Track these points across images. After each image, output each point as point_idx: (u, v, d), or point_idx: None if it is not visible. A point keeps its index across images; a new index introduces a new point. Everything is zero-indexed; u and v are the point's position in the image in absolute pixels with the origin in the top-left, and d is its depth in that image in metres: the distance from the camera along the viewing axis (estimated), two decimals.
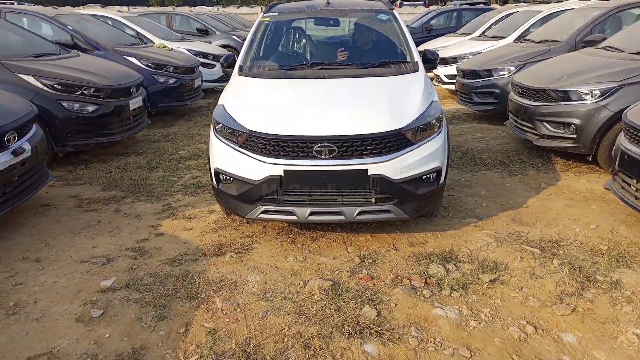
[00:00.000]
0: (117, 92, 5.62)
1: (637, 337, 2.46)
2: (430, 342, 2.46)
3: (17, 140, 3.67)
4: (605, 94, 4.65)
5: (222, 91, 4.09)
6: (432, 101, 3.61)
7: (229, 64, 4.44)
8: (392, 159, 3.20)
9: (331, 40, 5.93)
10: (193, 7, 27.41)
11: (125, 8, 24.30)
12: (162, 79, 7.58)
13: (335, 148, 3.13)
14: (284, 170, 3.17)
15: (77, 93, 5.24)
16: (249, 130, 3.27)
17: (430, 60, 4.38)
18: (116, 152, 5.98)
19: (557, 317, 2.65)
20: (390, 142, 3.21)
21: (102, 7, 24.40)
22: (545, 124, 5.10)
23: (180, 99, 7.93)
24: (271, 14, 4.81)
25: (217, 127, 3.51)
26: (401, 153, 3.23)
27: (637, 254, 3.29)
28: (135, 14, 12.72)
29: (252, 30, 4.66)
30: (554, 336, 2.50)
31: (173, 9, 18.85)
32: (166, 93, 7.65)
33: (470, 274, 3.08)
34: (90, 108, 5.28)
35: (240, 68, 4.22)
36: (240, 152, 3.29)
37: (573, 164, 5.21)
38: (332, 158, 3.15)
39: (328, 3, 4.84)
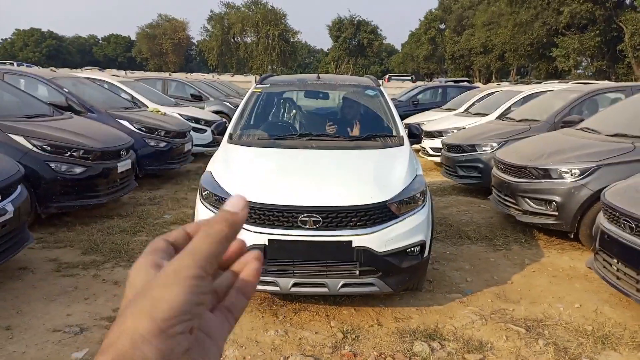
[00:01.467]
0: (106, 154, 5.66)
1: None
2: None
3: (0, 201, 3.64)
4: (584, 173, 4.80)
5: (212, 156, 4.14)
6: (417, 175, 3.69)
7: (219, 131, 4.53)
8: (376, 232, 3.21)
9: (320, 111, 6.12)
10: (189, 74, 28.30)
11: (123, 72, 25.01)
12: (152, 143, 7.66)
13: (320, 219, 3.15)
14: (269, 239, 3.16)
15: (66, 154, 5.27)
16: None
17: (415, 135, 4.52)
18: (100, 214, 5.92)
19: None
20: (375, 215, 3.24)
21: (100, 70, 24.96)
22: (527, 200, 5.20)
23: (169, 163, 7.98)
24: (263, 85, 4.98)
25: (203, 194, 3.52)
26: (386, 225, 3.25)
27: (622, 336, 3.25)
28: (132, 78, 13.07)
29: (244, 100, 4.81)
30: None
31: (170, 75, 19.44)
32: (156, 156, 7.71)
33: (456, 354, 3.01)
34: (78, 170, 5.29)
35: (230, 136, 4.31)
36: None
37: (556, 241, 5.26)
38: (317, 228, 3.15)
39: (318, 77, 5.05)
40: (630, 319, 3.51)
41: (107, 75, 12.37)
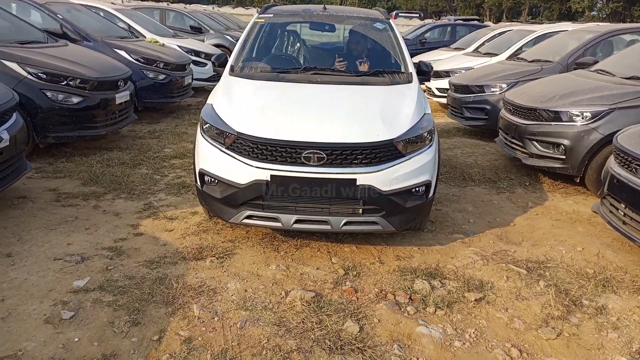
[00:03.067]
0: (104, 84, 5.48)
1: None
2: None
3: None
4: (595, 116, 4.66)
5: (212, 90, 3.99)
6: (425, 113, 3.57)
7: (220, 63, 4.34)
8: (381, 170, 3.13)
9: (325, 46, 5.87)
10: (188, 5, 27.23)
11: (118, 0, 24.03)
12: (151, 75, 7.44)
13: (325, 155, 3.06)
14: (271, 175, 3.08)
15: (63, 83, 5.10)
16: (237, 132, 3.18)
17: (424, 72, 4.33)
18: (99, 146, 5.83)
19: (543, 340, 2.60)
20: (381, 153, 3.14)
21: None
22: (534, 143, 5.09)
23: (169, 96, 7.79)
24: (266, 15, 4.73)
25: (204, 127, 3.41)
26: (391, 164, 3.16)
27: (623, 279, 3.26)
28: (128, 7, 12.54)
29: (245, 30, 4.58)
30: None
31: (167, 4, 18.67)
32: (155, 89, 7.51)
33: (456, 292, 3.02)
34: (75, 99, 5.14)
35: (232, 68, 4.13)
36: (226, 154, 3.20)
37: (560, 185, 5.21)
38: (320, 165, 3.07)
39: (325, 8, 4.78)
40: (632, 263, 3.51)
41: (103, 3, 11.85)
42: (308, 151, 3.05)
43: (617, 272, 3.36)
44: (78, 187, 4.49)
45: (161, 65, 7.63)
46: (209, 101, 3.68)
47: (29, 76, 4.92)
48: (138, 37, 8.80)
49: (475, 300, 2.94)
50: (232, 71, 4.10)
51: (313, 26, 5.02)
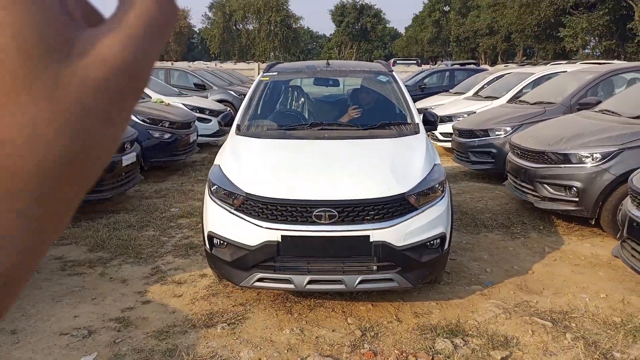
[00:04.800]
0: None
1: None
2: None
3: None
4: (606, 157, 4.61)
5: (217, 145, 3.99)
6: (435, 164, 3.52)
7: (226, 122, 4.36)
8: (395, 225, 3.06)
9: (330, 98, 5.93)
10: (191, 62, 28.05)
11: None
12: (157, 134, 7.51)
13: (336, 213, 3.00)
14: (282, 235, 3.01)
15: None
16: (246, 193, 3.14)
17: (430, 122, 4.33)
18: (105, 209, 5.80)
19: None
20: (393, 207, 3.08)
21: None
22: (546, 186, 5.03)
23: (174, 154, 7.84)
24: (270, 73, 4.79)
25: (212, 189, 3.37)
26: (404, 218, 3.10)
27: None
28: None
29: (250, 89, 4.63)
30: None
31: (172, 64, 19.22)
32: (161, 148, 7.56)
33: (480, 350, 2.87)
34: None
35: (238, 127, 4.14)
36: (235, 215, 3.14)
37: (575, 227, 5.09)
38: (332, 223, 3.01)
39: (328, 64, 4.85)
40: None
41: None
42: (319, 209, 2.99)
43: None
44: (84, 253, 4.42)
45: (167, 124, 7.72)
46: (216, 162, 3.66)
47: None
48: (144, 98, 8.97)
49: (502, 358, 2.79)
50: (239, 130, 4.10)
51: (317, 82, 5.08)
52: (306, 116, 4.89)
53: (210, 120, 9.94)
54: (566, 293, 3.66)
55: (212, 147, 9.80)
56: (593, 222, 4.83)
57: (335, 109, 4.74)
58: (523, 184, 5.39)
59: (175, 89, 11.36)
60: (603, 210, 4.66)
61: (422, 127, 4.06)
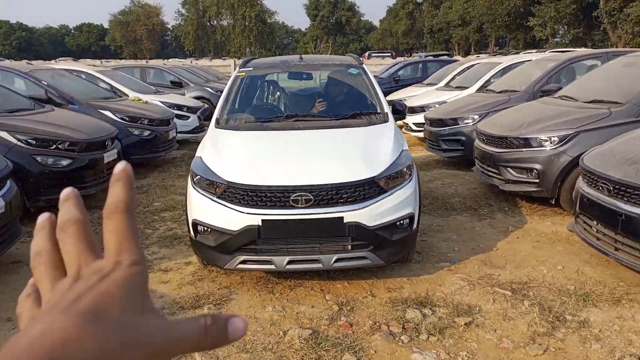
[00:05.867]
0: (92, 145, 5.65)
1: None
2: None
3: None
4: (563, 140, 4.95)
5: (196, 142, 4.18)
6: (403, 150, 3.79)
7: (205, 116, 4.56)
8: (366, 207, 3.32)
9: (304, 92, 6.16)
10: (167, 60, 27.84)
11: (98, 62, 24.52)
12: (136, 132, 7.63)
13: (312, 197, 3.24)
14: (262, 220, 3.24)
15: (52, 147, 5.25)
16: (227, 181, 3.35)
17: (399, 111, 4.61)
18: (89, 205, 5.91)
19: (531, 357, 2.73)
20: (365, 190, 3.34)
21: (75, 60, 24.44)
22: (509, 169, 5.35)
23: (154, 151, 7.97)
24: (246, 68, 5.00)
25: (195, 179, 3.58)
26: (375, 200, 3.35)
27: (602, 293, 3.43)
28: (108, 67, 12.87)
29: (228, 84, 4.83)
30: None
31: (146, 62, 19.13)
32: (141, 145, 7.68)
33: (446, 318, 3.16)
34: (65, 162, 5.28)
35: (217, 121, 4.35)
36: (218, 203, 3.36)
37: (538, 207, 5.44)
38: (308, 207, 3.24)
39: (301, 58, 5.08)
40: (609, 277, 3.70)
41: (84, 66, 12.17)
42: (296, 194, 3.23)
43: (596, 286, 3.54)
44: None
45: (146, 121, 7.84)
46: (197, 154, 3.86)
47: (19, 143, 5.07)
48: (121, 97, 9.04)
49: (465, 324, 3.07)
50: (218, 124, 4.31)
51: (291, 76, 5.31)
52: (282, 109, 5.12)
53: (188, 117, 10.06)
54: (526, 266, 3.97)
55: (191, 143, 9.93)
56: (553, 202, 5.18)
57: (309, 102, 4.97)
58: (489, 168, 5.71)
59: (152, 87, 11.43)
60: (562, 190, 5.00)
61: (390, 116, 4.32)
